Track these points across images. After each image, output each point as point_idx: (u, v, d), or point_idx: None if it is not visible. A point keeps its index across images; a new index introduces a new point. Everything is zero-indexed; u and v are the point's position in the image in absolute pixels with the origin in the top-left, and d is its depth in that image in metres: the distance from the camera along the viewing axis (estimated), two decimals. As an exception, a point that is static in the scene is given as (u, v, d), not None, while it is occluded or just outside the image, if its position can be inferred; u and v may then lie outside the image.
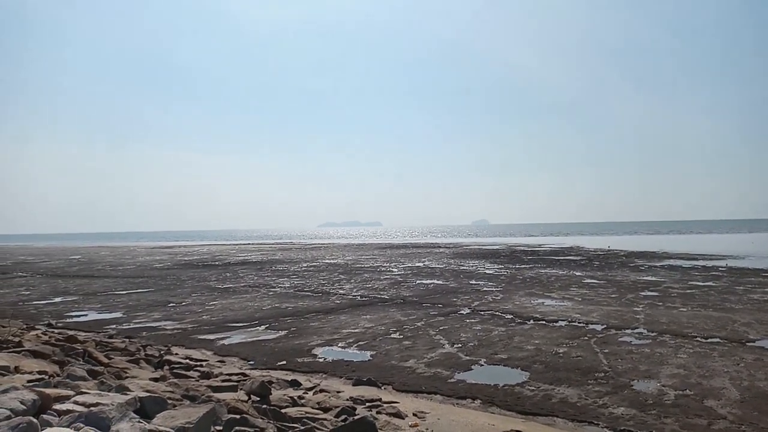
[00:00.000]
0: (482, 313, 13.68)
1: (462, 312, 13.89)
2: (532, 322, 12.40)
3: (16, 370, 6.27)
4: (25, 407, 4.37)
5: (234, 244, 75.82)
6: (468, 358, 9.33)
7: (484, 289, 18.59)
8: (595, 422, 6.36)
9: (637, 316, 12.74)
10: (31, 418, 4.07)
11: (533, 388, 7.63)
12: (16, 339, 8.68)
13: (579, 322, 12.17)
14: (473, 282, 20.77)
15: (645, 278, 21.11)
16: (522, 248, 48.04)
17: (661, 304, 14.56)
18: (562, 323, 12.16)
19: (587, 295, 16.63)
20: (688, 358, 8.93)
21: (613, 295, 16.33)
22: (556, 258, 33.98)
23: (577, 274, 23.37)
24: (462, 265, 29.18)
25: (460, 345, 10.24)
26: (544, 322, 12.29)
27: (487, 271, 25.31)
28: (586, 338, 10.59)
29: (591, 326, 11.75)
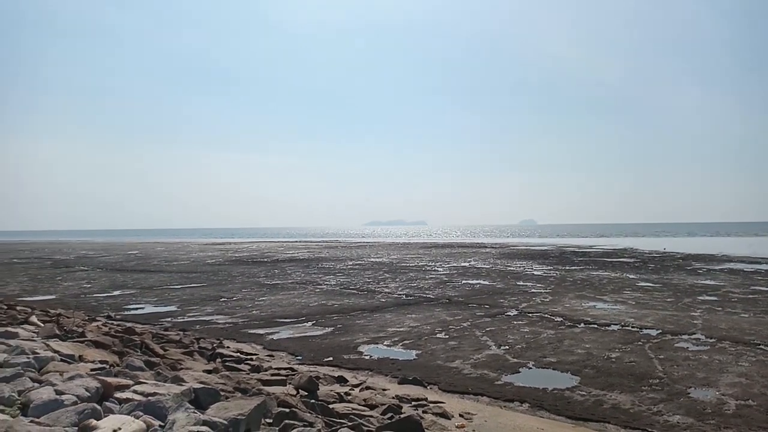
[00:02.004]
0: (530, 315, 13.44)
1: (509, 313, 13.69)
2: (582, 325, 12.08)
3: (80, 358, 6.62)
4: (89, 394, 4.61)
5: (281, 242, 77.33)
6: (516, 360, 9.19)
7: (533, 290, 18.24)
8: (649, 429, 6.14)
9: (695, 322, 12.21)
10: (95, 404, 4.29)
11: (584, 393, 7.44)
12: (80, 329, 9.15)
13: (632, 327, 11.77)
14: (521, 283, 20.42)
15: (703, 282, 20.19)
16: (572, 249, 46.83)
17: (720, 309, 13.89)
18: (615, 327, 11.79)
19: (641, 298, 16.06)
20: (751, 367, 8.48)
21: (668, 299, 15.71)
22: (609, 260, 32.96)
23: (631, 276, 22.59)
24: (509, 266, 28.74)
25: (507, 347, 10.10)
26: (595, 326, 11.96)
27: (536, 273, 24.82)
28: (640, 343, 10.23)
29: (645, 331, 11.35)
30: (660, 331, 11.31)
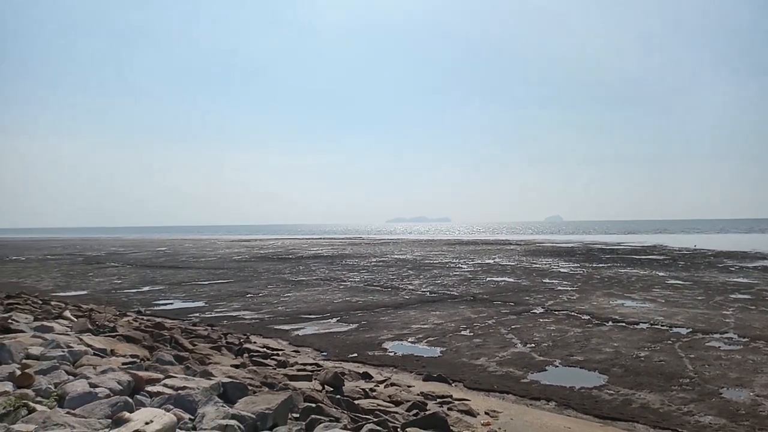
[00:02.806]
0: (557, 312, 13.28)
1: (535, 311, 13.55)
2: (610, 323, 11.90)
3: (112, 353, 6.79)
4: (121, 387, 4.73)
5: (305, 239, 77.94)
6: (542, 358, 9.10)
7: (559, 288, 18.02)
8: (680, 430, 6.02)
9: (727, 320, 11.91)
10: (127, 397, 4.40)
11: (612, 392, 7.33)
12: (111, 324, 9.39)
13: (662, 325, 11.55)
14: (547, 280, 20.20)
15: (735, 280, 19.67)
16: (599, 246, 46.10)
17: (753, 308, 13.52)
18: (644, 326, 11.58)
19: (671, 296, 15.73)
20: (787, 368, 8.25)
21: (699, 297, 15.36)
22: (637, 257, 32.36)
23: (660, 274, 22.15)
24: (534, 263, 28.44)
25: (533, 345, 10.00)
26: (623, 324, 11.76)
27: (562, 270, 24.52)
28: (670, 342, 10.03)
29: (675, 329, 11.12)
30: (690, 329, 11.07)
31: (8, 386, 4.50)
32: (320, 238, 79.12)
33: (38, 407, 4.06)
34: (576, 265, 27.24)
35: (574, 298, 15.67)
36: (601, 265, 27.07)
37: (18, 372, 4.82)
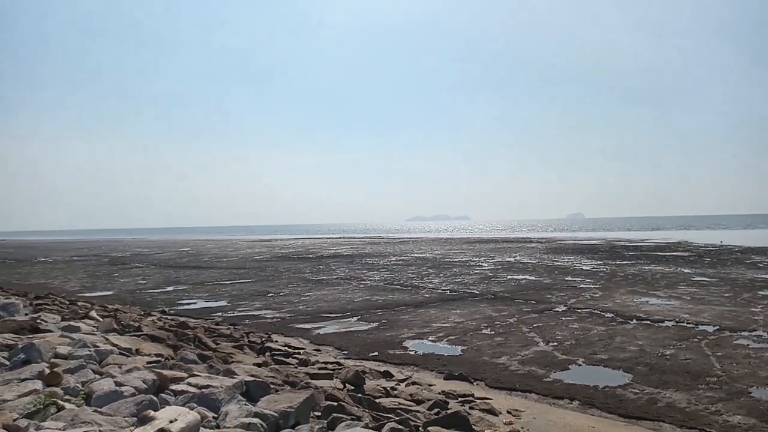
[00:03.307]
0: (579, 310, 13.12)
1: (557, 309, 13.41)
2: (635, 321, 11.71)
3: (137, 352, 6.91)
4: (146, 386, 4.80)
5: (325, 238, 78.27)
6: (565, 357, 9.00)
7: (581, 285, 17.80)
8: (707, 429, 5.90)
9: (755, 318, 11.63)
10: (152, 396, 4.47)
11: (637, 390, 7.22)
12: (136, 324, 9.55)
13: (688, 323, 11.33)
14: (569, 278, 19.97)
15: (764, 276, 19.20)
16: (622, 243, 45.43)
17: (784, 305, 13.19)
18: (669, 323, 11.38)
19: (697, 293, 15.43)
20: (819, 366, 8.02)
21: (726, 294, 15.03)
22: (661, 254, 31.80)
23: (686, 271, 21.73)
24: (556, 261, 28.14)
25: (555, 343, 9.90)
26: (648, 322, 11.57)
27: (584, 267, 24.22)
28: (696, 340, 9.84)
29: (701, 327, 10.90)
30: (717, 327, 10.84)
31: (38, 384, 4.61)
32: (339, 238, 79.42)
33: (67, 405, 4.15)
34: (599, 262, 26.88)
35: (597, 295, 15.47)
36: (624, 262, 26.67)
37: (47, 371, 4.94)
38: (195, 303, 16.39)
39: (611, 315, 12.45)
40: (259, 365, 7.28)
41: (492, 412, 6.32)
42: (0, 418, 3.70)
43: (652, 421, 6.22)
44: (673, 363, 8.38)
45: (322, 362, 8.60)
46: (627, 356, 8.87)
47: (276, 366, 7.54)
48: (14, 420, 3.76)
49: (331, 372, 7.45)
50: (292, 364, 8.10)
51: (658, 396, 6.97)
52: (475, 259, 31.16)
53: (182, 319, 12.54)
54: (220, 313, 14.16)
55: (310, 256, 37.67)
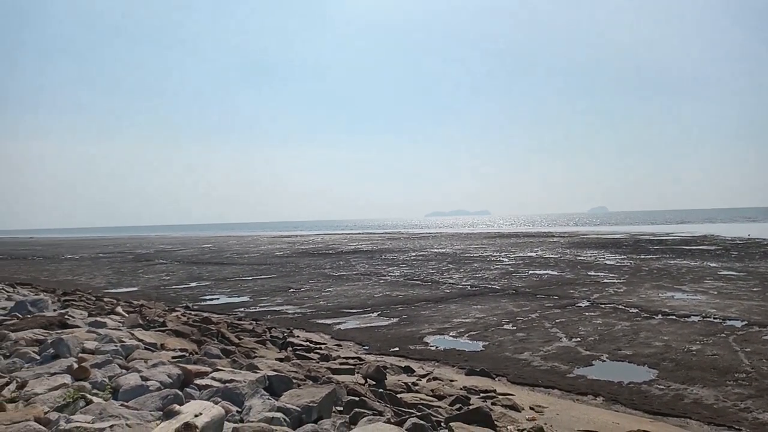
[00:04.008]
0: (603, 306, 12.95)
1: (580, 304, 13.25)
2: (660, 316, 11.52)
3: (162, 347, 7.02)
4: (171, 380, 4.87)
5: (345, 234, 78.51)
6: (588, 352, 8.89)
7: (605, 280, 17.57)
8: (737, 427, 5.78)
9: (787, 313, 11.36)
10: (177, 390, 4.54)
11: (662, 386, 7.10)
12: (161, 319, 9.70)
13: (715, 318, 11.10)
14: (592, 273, 19.71)
15: (795, 271, 18.72)
16: (646, 237, 44.65)
17: (816, 299, 12.84)
18: (695, 318, 11.16)
19: (724, 288, 15.10)
20: None
21: (755, 289, 14.68)
22: (687, 248, 31.19)
23: (712, 265, 21.29)
24: (579, 256, 27.80)
25: (578, 339, 9.78)
26: (674, 317, 11.37)
27: (608, 262, 23.88)
28: (724, 335, 9.63)
29: (729, 322, 10.67)
30: (746, 322, 10.60)
31: (67, 379, 4.72)
32: (359, 233, 79.57)
33: (95, 399, 4.24)
34: (623, 256, 26.48)
35: (621, 290, 15.24)
36: (649, 256, 26.23)
37: (75, 365, 5.05)
38: (218, 298, 16.59)
39: (636, 310, 12.26)
40: (281, 360, 7.34)
41: (514, 407, 6.28)
42: (32, 411, 3.79)
43: (679, 418, 6.12)
44: (700, 359, 8.23)
45: (344, 357, 8.64)
46: (652, 352, 8.73)
47: (298, 361, 7.60)
48: (45, 413, 3.85)
49: (352, 367, 7.48)
50: (314, 359, 8.16)
51: (684, 392, 6.85)
52: (495, 254, 30.95)
53: (206, 314, 12.69)
54: (242, 309, 14.31)
55: (330, 251, 37.84)
